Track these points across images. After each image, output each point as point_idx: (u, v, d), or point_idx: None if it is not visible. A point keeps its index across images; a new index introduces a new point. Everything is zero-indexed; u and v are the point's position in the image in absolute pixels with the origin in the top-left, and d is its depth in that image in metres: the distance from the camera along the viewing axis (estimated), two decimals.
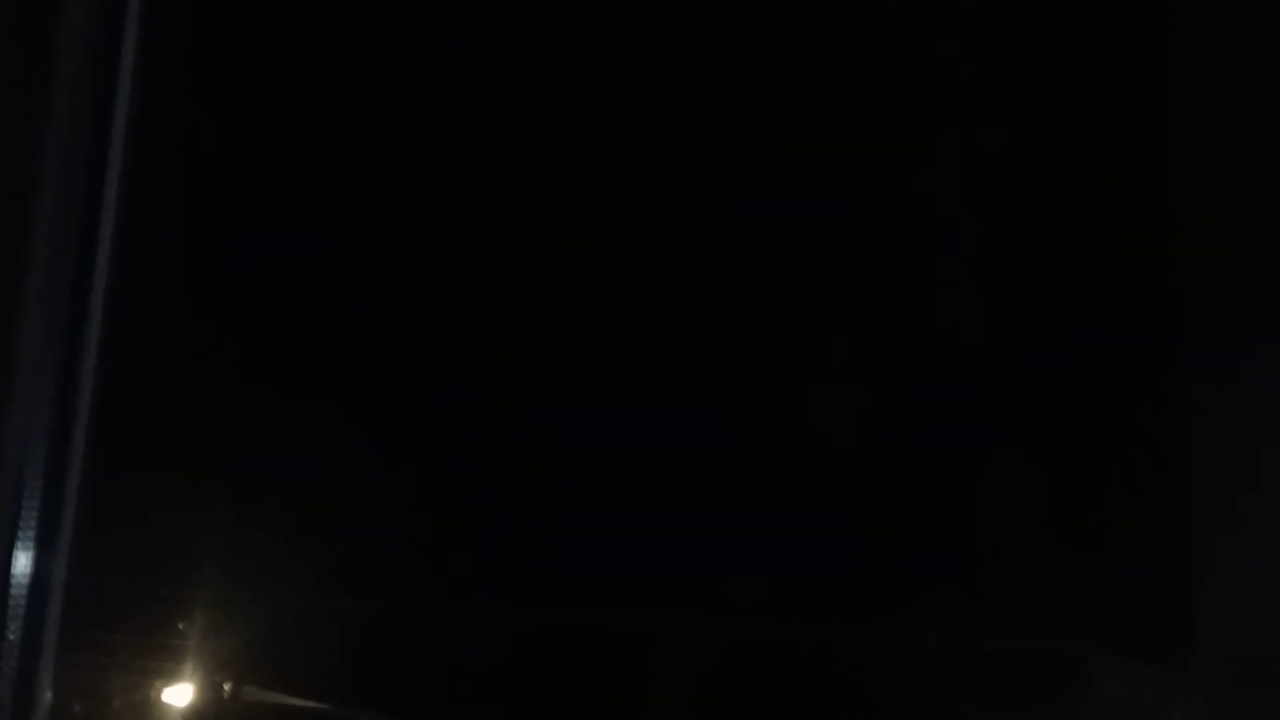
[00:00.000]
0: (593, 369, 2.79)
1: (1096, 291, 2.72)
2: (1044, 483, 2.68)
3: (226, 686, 2.69)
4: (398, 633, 2.81)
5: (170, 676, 2.69)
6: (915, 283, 2.81)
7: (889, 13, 2.83)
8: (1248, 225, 2.52)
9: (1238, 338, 2.49)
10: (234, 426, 2.82)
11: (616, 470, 2.76)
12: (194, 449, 2.79)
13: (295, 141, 2.93)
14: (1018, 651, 2.57)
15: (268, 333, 2.89)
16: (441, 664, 2.80)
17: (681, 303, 2.81)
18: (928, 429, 2.73)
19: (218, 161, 2.90)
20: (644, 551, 2.73)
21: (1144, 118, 2.74)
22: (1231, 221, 2.54)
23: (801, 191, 2.80)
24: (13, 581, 1.95)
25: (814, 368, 2.79)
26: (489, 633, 2.80)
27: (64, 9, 1.98)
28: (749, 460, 2.75)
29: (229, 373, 2.85)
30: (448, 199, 2.89)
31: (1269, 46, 2.49)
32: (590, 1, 2.90)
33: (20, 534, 1.95)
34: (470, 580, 2.81)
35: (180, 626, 2.70)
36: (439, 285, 2.90)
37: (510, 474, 2.79)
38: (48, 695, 2.06)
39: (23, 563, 1.96)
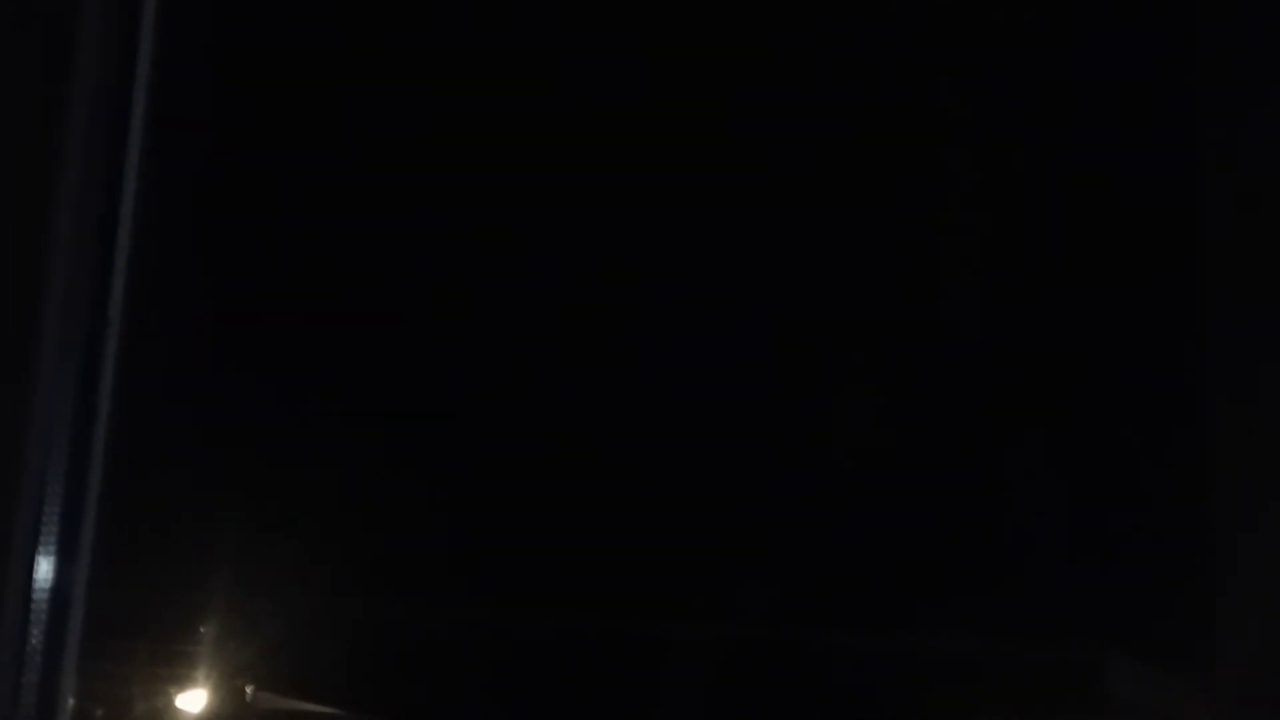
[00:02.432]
0: (599, 372, 2.79)
1: (1114, 292, 2.71)
2: (1062, 485, 2.67)
3: (249, 690, 2.70)
4: (417, 637, 2.81)
5: (191, 682, 2.69)
6: (930, 284, 2.80)
7: (899, 12, 2.83)
8: (1271, 226, 2.50)
9: (1261, 339, 2.48)
10: (253, 434, 2.83)
11: (626, 474, 2.76)
12: (213, 456, 2.80)
13: (314, 147, 2.93)
14: (1035, 656, 2.56)
15: (286, 341, 2.90)
16: (462, 669, 2.80)
17: (688, 307, 2.80)
18: (942, 431, 2.72)
19: (235, 168, 2.91)
20: (655, 556, 2.73)
21: (1163, 116, 2.73)
22: (1254, 222, 2.53)
23: (809, 194, 2.80)
24: (35, 589, 1.97)
25: (824, 369, 2.79)
26: (509, 637, 2.80)
27: (80, 19, 1.98)
28: (759, 463, 2.74)
29: (248, 381, 2.85)
30: (469, 206, 2.89)
31: None
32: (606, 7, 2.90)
33: (42, 542, 1.96)
34: (491, 585, 2.81)
35: (201, 633, 2.71)
36: (456, 292, 2.90)
37: (526, 479, 2.80)
38: (70, 701, 2.07)
39: (44, 570, 1.97)
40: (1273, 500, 2.45)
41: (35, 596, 1.96)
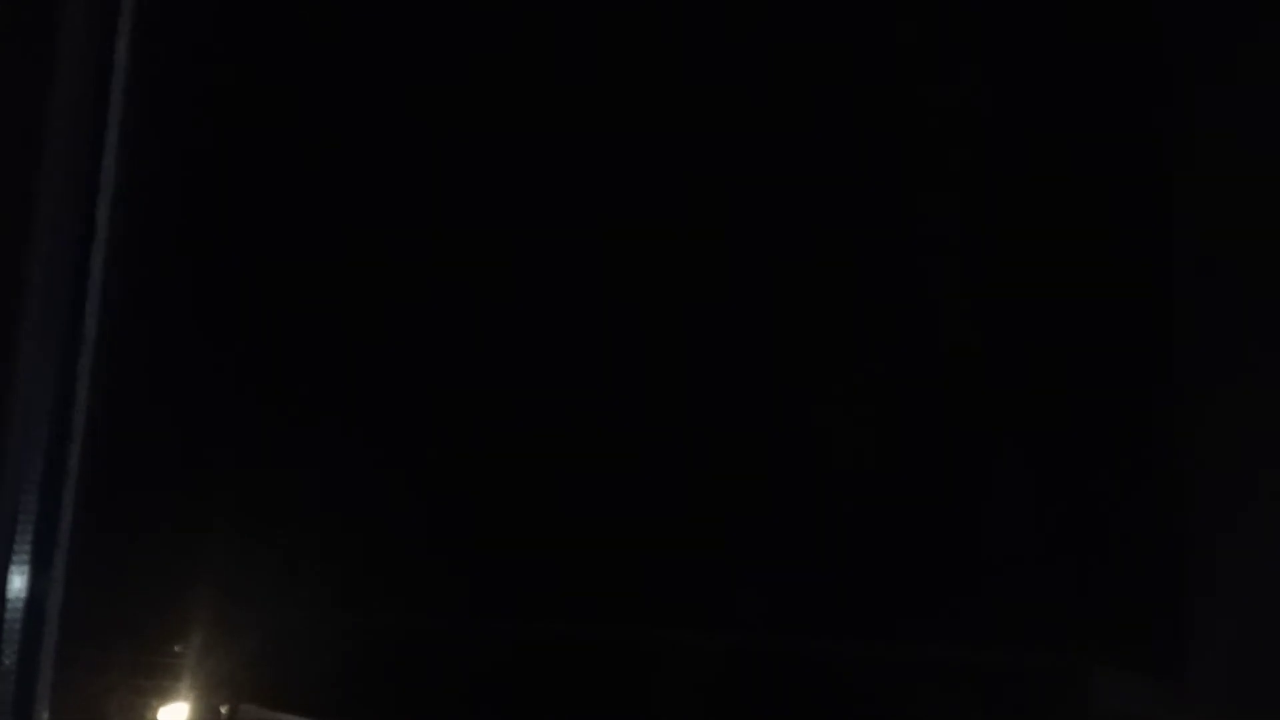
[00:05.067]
0: (592, 378, 2.78)
1: (1089, 301, 2.72)
2: (1036, 495, 2.67)
3: (224, 709, 2.68)
4: (398, 649, 2.80)
5: (169, 696, 2.68)
6: (910, 292, 2.81)
7: (874, 12, 2.83)
8: (1243, 231, 2.52)
9: (1233, 347, 2.49)
10: (230, 443, 2.81)
11: (614, 482, 2.75)
12: (190, 466, 2.78)
13: (297, 147, 2.92)
14: (1012, 665, 2.56)
15: (265, 348, 2.88)
16: (443, 680, 2.79)
17: (681, 313, 2.80)
18: (921, 441, 2.72)
19: (215, 173, 2.90)
20: (645, 565, 2.73)
21: (1136, 117, 2.74)
22: (1226, 228, 2.54)
23: (794, 195, 2.80)
24: (9, 603, 1.96)
25: (810, 378, 2.79)
26: (491, 648, 2.79)
27: (61, 23, 1.98)
28: (745, 471, 2.74)
29: (225, 389, 2.84)
30: (457, 205, 2.88)
31: (1266, 44, 2.49)
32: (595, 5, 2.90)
33: (15, 555, 1.95)
34: (473, 596, 2.80)
35: (178, 645, 2.69)
36: (442, 297, 2.89)
37: (512, 488, 2.79)
38: (45, 717, 2.06)
39: (18, 584, 1.96)
40: (1247, 511, 2.47)
41: (9, 611, 1.95)
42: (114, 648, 2.64)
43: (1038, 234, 2.71)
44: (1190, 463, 2.43)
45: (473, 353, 2.85)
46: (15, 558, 1.94)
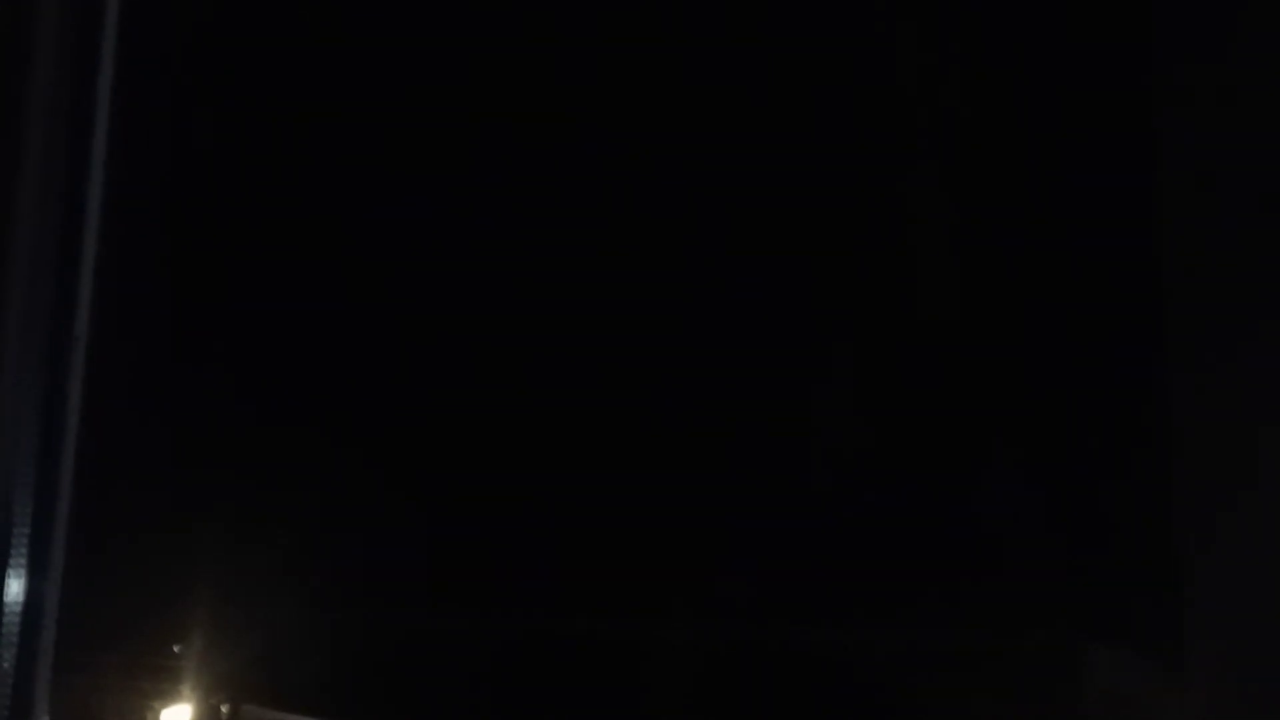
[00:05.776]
0: (578, 375, 2.78)
1: (1081, 284, 2.72)
2: (1032, 477, 2.68)
3: (224, 708, 2.68)
4: (395, 646, 2.80)
5: (167, 697, 2.67)
6: (898, 277, 2.81)
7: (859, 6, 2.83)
8: (1233, 219, 2.52)
9: (1226, 330, 2.49)
10: (224, 443, 2.80)
11: (602, 476, 2.75)
12: (184, 467, 2.78)
13: (286, 148, 2.91)
14: (1009, 647, 2.57)
15: (257, 350, 2.88)
16: (441, 676, 2.79)
17: (661, 302, 2.80)
18: (914, 424, 2.72)
19: (202, 176, 2.89)
20: (635, 557, 2.72)
21: (1125, 107, 2.74)
22: (1216, 216, 2.55)
23: (784, 189, 2.80)
24: (5, 607, 1.95)
25: (801, 365, 2.79)
26: (488, 644, 2.79)
27: (38, 33, 1.97)
28: (735, 459, 2.74)
29: (218, 390, 2.83)
30: (446, 206, 2.88)
31: (1251, 40, 2.49)
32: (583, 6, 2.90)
33: (11, 559, 1.94)
34: (468, 592, 2.80)
35: (176, 646, 2.69)
36: (431, 297, 2.88)
37: (502, 485, 2.79)
38: (45, 719, 2.05)
39: (15, 589, 1.95)
40: (1241, 492, 2.47)
41: (5, 615, 1.94)
42: (112, 650, 2.63)
43: (1028, 226, 2.72)
44: (1184, 444, 2.44)
45: (454, 350, 2.85)
46: (12, 561, 1.93)
